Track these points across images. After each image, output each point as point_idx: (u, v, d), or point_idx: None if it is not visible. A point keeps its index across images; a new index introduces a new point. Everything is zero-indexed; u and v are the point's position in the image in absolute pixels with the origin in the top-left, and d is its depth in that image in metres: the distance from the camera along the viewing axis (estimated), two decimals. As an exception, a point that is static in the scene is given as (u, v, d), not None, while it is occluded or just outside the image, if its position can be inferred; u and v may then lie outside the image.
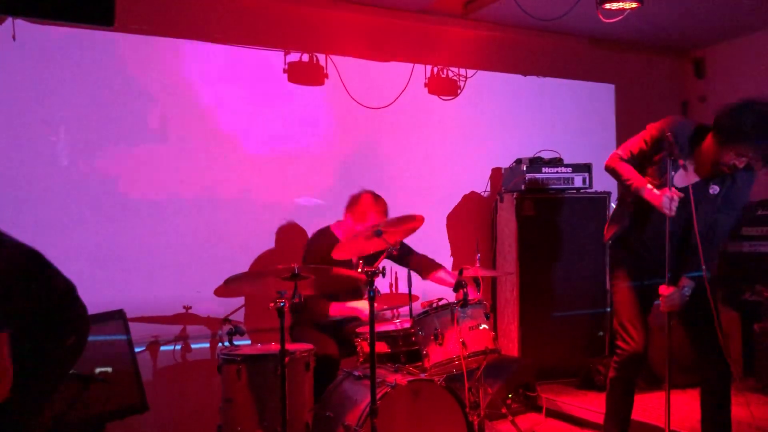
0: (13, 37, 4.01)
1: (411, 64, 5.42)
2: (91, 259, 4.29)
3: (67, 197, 4.31)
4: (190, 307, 4.36)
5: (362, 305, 3.84)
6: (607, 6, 4.16)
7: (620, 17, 4.40)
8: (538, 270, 5.28)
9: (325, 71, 5.08)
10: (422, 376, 3.41)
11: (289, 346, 3.39)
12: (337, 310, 3.97)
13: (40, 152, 4.28)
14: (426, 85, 5.51)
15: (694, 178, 3.25)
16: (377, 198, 4.18)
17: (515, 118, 5.90)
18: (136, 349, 3.92)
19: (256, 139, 4.87)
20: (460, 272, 3.85)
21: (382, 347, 3.68)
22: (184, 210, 4.60)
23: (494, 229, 5.56)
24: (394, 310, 4.03)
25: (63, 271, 2.71)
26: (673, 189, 3.12)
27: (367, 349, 3.56)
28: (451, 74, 5.61)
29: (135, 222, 4.47)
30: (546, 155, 5.49)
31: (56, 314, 2.63)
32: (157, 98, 4.57)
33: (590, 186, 5.42)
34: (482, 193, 5.74)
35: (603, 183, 5.39)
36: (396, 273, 5.00)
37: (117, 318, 3.82)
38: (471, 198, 5.70)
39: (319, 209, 5.03)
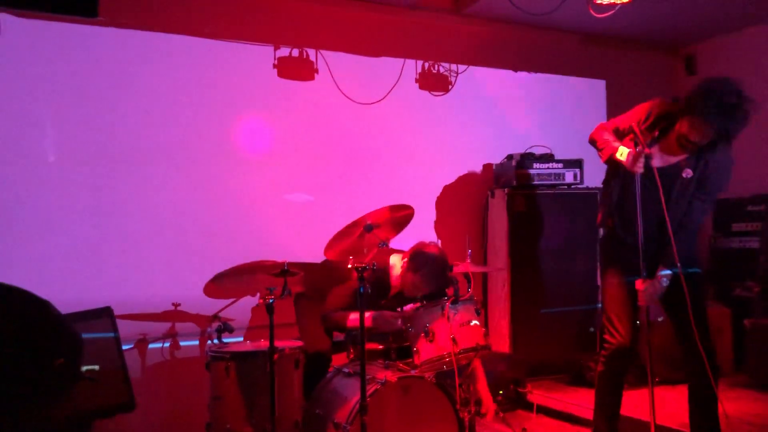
0: (-2, 31, 3.97)
1: (402, 60, 5.40)
2: (79, 256, 4.24)
3: (55, 194, 4.26)
4: (179, 304, 4.32)
5: (377, 314, 3.76)
6: (598, 0, 4.14)
7: (611, 12, 4.39)
8: (529, 266, 5.27)
9: (315, 66, 5.05)
10: (413, 372, 3.39)
11: (279, 343, 3.36)
12: (355, 320, 3.90)
13: (27, 149, 4.23)
14: (417, 80, 5.49)
15: (670, 161, 3.30)
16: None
17: (506, 113, 5.89)
18: (124, 347, 3.89)
19: (245, 134, 4.83)
20: (451, 268, 3.83)
21: (372, 344, 3.66)
22: (173, 206, 4.55)
23: (485, 225, 5.55)
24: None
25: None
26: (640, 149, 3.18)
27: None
28: (442, 70, 5.59)
29: (123, 219, 4.43)
30: (537, 151, 5.48)
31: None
32: (144, 94, 4.52)
33: (581, 182, 5.42)
34: (473, 189, 5.72)
35: (594, 179, 5.39)
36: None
37: (104, 315, 3.77)
38: (462, 194, 5.68)
39: (309, 205, 5.00)
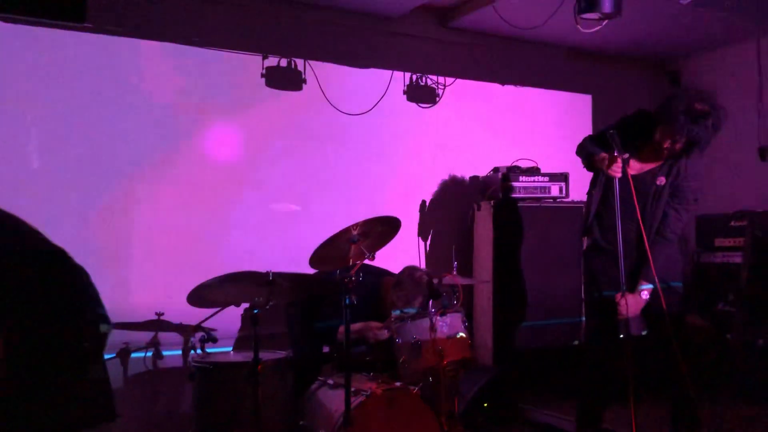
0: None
1: (390, 71, 5.41)
2: (60, 264, 4.19)
3: (37, 202, 4.21)
4: (162, 314, 4.27)
5: (364, 325, 3.77)
6: (585, 16, 4.18)
7: (598, 27, 4.43)
8: (514, 278, 5.27)
9: (303, 76, 5.05)
10: (398, 384, 3.37)
11: (263, 354, 3.33)
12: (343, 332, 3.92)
13: (10, 154, 4.18)
14: (405, 92, 5.50)
15: (645, 168, 3.38)
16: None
17: (493, 126, 5.92)
18: (106, 356, 3.82)
19: (232, 143, 4.81)
20: (438, 280, 3.83)
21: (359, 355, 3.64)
22: (157, 215, 4.52)
23: (471, 238, 5.55)
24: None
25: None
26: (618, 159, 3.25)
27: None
28: (429, 82, 5.61)
29: (106, 227, 4.38)
30: (523, 164, 5.51)
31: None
32: (130, 101, 4.49)
33: (567, 195, 5.45)
34: (460, 201, 5.72)
35: (580, 193, 5.41)
36: (372, 280, 4.97)
37: (86, 324, 3.72)
38: (448, 205, 5.68)
39: (295, 215, 4.98)
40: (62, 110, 4.30)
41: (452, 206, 5.69)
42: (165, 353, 4.39)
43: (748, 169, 5.91)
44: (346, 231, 3.29)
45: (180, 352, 4.43)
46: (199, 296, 3.59)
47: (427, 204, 5.62)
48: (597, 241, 3.55)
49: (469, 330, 3.87)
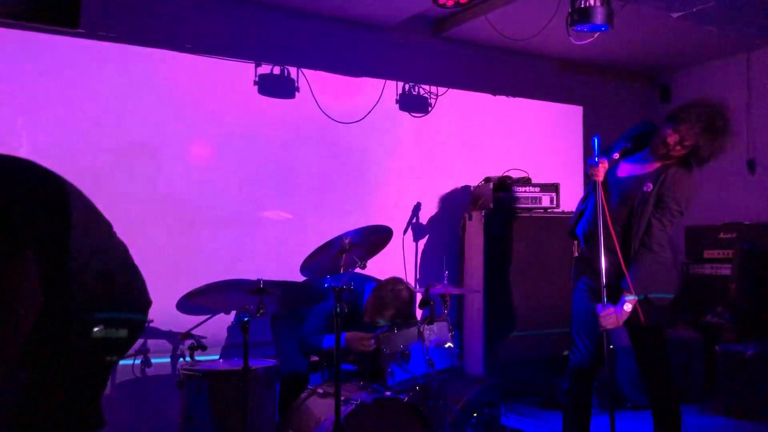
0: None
1: (382, 80, 5.43)
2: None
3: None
4: (151, 321, 4.24)
5: (351, 335, 3.76)
6: (578, 28, 4.21)
7: (590, 39, 4.46)
8: (504, 288, 5.28)
9: (296, 84, 5.05)
10: (387, 394, 3.37)
11: (253, 363, 3.32)
12: (329, 341, 3.91)
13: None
14: (397, 101, 5.52)
15: (635, 171, 3.35)
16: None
17: (485, 136, 5.94)
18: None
19: (224, 150, 4.80)
20: (427, 289, 3.82)
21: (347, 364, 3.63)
22: (147, 221, 4.50)
23: (462, 247, 5.56)
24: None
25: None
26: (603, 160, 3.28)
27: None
28: (422, 92, 5.63)
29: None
30: (514, 174, 5.53)
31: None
32: (121, 106, 4.48)
33: (558, 206, 5.46)
34: (451, 211, 5.74)
35: (571, 203, 5.43)
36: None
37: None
38: (440, 215, 5.70)
39: (286, 223, 4.97)
40: (51, 115, 4.28)
41: (443, 215, 5.70)
42: (153, 361, 4.37)
43: (737, 182, 5.96)
44: (337, 239, 3.29)
45: (168, 359, 4.41)
46: (189, 303, 3.58)
47: (419, 213, 5.62)
48: (583, 250, 3.55)
49: (459, 339, 3.89)
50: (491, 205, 5.29)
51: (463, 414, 4.55)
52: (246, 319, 3.05)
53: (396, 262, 5.37)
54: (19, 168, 2.18)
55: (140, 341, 4.32)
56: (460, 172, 5.78)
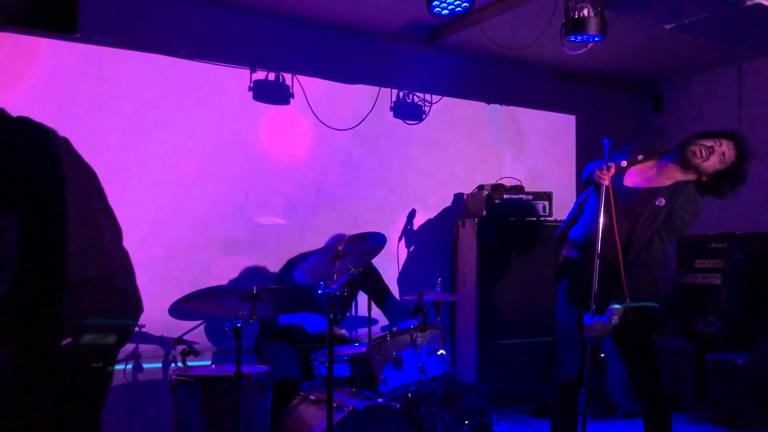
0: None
1: (377, 88, 5.45)
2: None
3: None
4: (143, 326, 4.25)
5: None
6: (571, 38, 4.24)
7: (584, 49, 4.50)
8: (497, 296, 5.30)
9: (291, 91, 5.07)
10: (379, 401, 3.37)
11: (245, 369, 3.32)
12: (285, 318, 4.04)
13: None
14: (391, 108, 5.54)
15: (647, 183, 3.31)
16: None
17: (478, 144, 5.96)
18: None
19: (218, 156, 4.80)
20: (420, 296, 3.84)
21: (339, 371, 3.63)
22: (140, 225, 4.49)
23: (455, 254, 5.58)
24: (353, 333, 4.00)
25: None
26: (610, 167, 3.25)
27: (324, 372, 3.52)
28: (416, 99, 5.65)
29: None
30: (507, 182, 5.55)
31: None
32: (116, 111, 4.48)
33: (550, 214, 5.49)
34: (444, 218, 5.76)
35: (563, 212, 5.46)
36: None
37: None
38: (433, 222, 5.71)
39: (279, 229, 4.98)
40: (47, 120, 4.27)
41: (437, 223, 5.72)
42: (145, 366, 4.37)
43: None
44: (331, 246, 3.30)
45: (160, 364, 4.41)
46: (182, 309, 3.58)
47: (412, 220, 5.64)
48: (574, 258, 3.51)
49: (452, 346, 3.89)
50: (484, 213, 5.31)
51: (455, 421, 4.56)
52: (239, 324, 3.04)
53: (389, 268, 5.38)
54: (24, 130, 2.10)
55: (132, 346, 4.32)
56: (453, 180, 5.80)
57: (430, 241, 5.66)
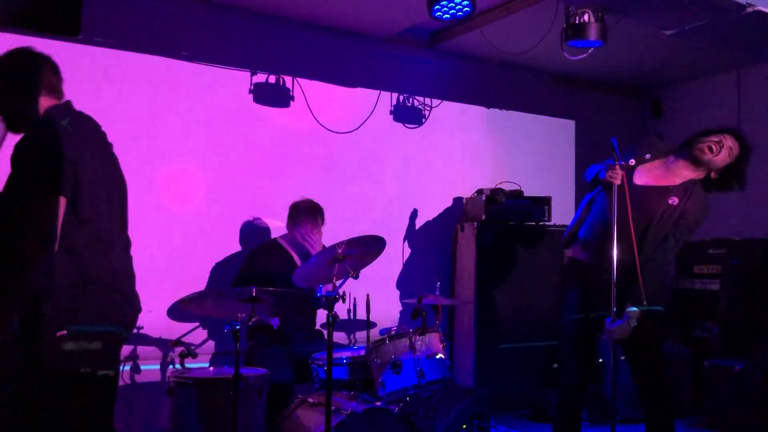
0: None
1: (377, 91, 5.46)
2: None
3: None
4: (141, 327, 4.24)
5: None
6: (572, 44, 4.25)
7: (584, 55, 4.51)
8: (495, 300, 5.30)
9: (291, 94, 5.07)
10: (378, 404, 3.37)
11: (243, 371, 3.32)
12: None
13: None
14: (391, 112, 5.54)
15: (658, 182, 3.30)
16: (307, 203, 4.42)
17: (477, 149, 5.97)
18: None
19: (218, 157, 4.81)
20: (419, 300, 3.84)
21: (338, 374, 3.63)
22: (138, 227, 4.48)
23: (454, 258, 5.58)
24: (352, 336, 4.00)
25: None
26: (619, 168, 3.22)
27: (322, 375, 3.51)
28: (416, 103, 5.66)
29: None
30: (507, 187, 5.55)
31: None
32: (117, 113, 4.48)
33: (549, 219, 5.50)
34: (443, 222, 5.76)
35: (562, 216, 5.48)
36: (355, 299, 4.97)
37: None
38: (432, 226, 5.72)
39: (279, 230, 4.97)
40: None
41: (436, 227, 5.72)
42: (143, 367, 4.37)
43: (726, 197, 5.99)
44: (330, 249, 3.29)
45: (158, 366, 4.40)
46: (180, 311, 3.58)
47: (413, 222, 5.64)
48: (582, 261, 3.47)
49: (450, 350, 3.89)
50: (483, 217, 5.31)
51: (453, 425, 4.56)
52: (237, 327, 3.04)
53: (388, 272, 5.38)
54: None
55: (130, 347, 4.32)
56: (453, 184, 5.81)
57: (430, 244, 5.67)
